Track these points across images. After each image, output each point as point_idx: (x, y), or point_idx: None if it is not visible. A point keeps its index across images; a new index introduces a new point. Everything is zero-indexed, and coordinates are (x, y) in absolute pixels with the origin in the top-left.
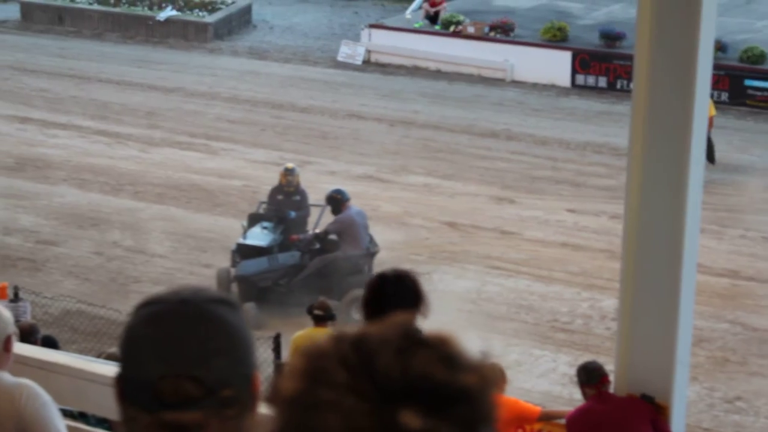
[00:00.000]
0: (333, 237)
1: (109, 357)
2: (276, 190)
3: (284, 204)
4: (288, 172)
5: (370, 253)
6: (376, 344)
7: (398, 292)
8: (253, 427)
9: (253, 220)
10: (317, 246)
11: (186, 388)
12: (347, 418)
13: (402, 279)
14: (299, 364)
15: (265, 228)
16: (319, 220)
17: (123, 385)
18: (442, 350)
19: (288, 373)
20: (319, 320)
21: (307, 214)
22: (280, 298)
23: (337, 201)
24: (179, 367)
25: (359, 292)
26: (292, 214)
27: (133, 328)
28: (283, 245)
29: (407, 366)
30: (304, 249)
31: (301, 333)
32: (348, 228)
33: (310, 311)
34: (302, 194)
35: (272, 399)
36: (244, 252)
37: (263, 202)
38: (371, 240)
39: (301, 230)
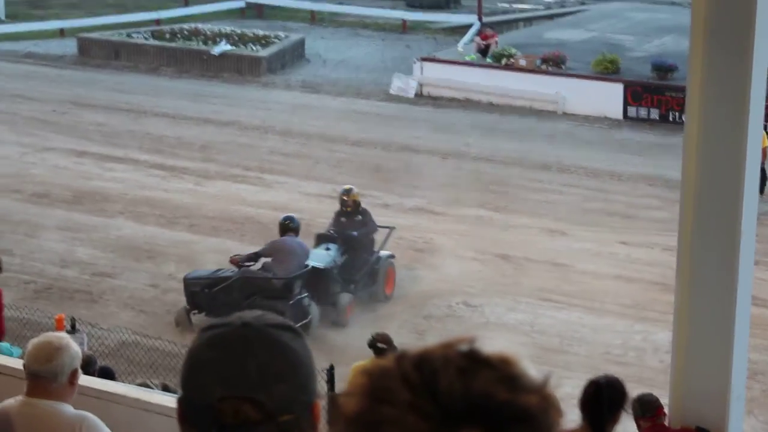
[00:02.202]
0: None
1: (142, 385)
2: (339, 213)
3: (347, 225)
4: (344, 193)
5: (294, 278)
6: (439, 364)
7: (611, 396)
8: None
9: (320, 240)
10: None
11: (246, 411)
12: None
13: (613, 384)
14: (362, 383)
15: (327, 249)
16: (386, 241)
17: (184, 407)
18: (504, 371)
19: (350, 392)
20: (381, 353)
21: (369, 233)
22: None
23: (282, 226)
24: (240, 390)
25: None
26: (354, 233)
27: (196, 351)
28: (344, 267)
29: (469, 386)
30: (240, 267)
31: (361, 363)
32: (277, 252)
33: (372, 344)
34: (364, 214)
35: (334, 417)
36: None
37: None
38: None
39: (368, 249)
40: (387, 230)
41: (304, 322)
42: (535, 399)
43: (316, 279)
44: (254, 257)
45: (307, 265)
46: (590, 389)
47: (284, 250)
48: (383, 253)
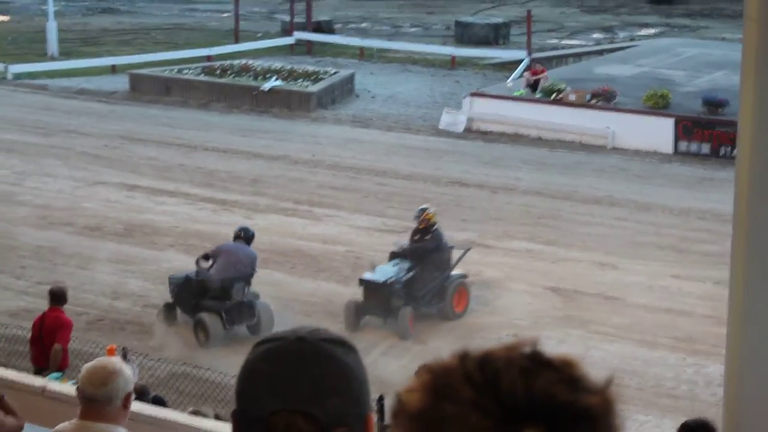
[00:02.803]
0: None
1: (194, 412)
2: (414, 231)
3: (419, 243)
4: (419, 212)
5: (238, 279)
6: (502, 363)
7: None
8: None
9: (393, 256)
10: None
11: (299, 424)
12: None
13: (703, 426)
14: (425, 380)
15: (395, 265)
16: (459, 261)
17: (238, 419)
18: (566, 372)
19: (413, 389)
20: None
21: (437, 251)
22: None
23: (234, 234)
24: (293, 403)
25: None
26: (403, 243)
27: (250, 364)
28: (410, 282)
29: (531, 386)
30: (200, 270)
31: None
32: (221, 254)
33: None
34: (434, 234)
35: (397, 414)
36: (364, 286)
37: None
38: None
39: (439, 267)
40: (461, 251)
41: (249, 323)
42: (597, 400)
43: (376, 292)
44: (206, 258)
45: (252, 270)
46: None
47: (227, 254)
48: (456, 272)
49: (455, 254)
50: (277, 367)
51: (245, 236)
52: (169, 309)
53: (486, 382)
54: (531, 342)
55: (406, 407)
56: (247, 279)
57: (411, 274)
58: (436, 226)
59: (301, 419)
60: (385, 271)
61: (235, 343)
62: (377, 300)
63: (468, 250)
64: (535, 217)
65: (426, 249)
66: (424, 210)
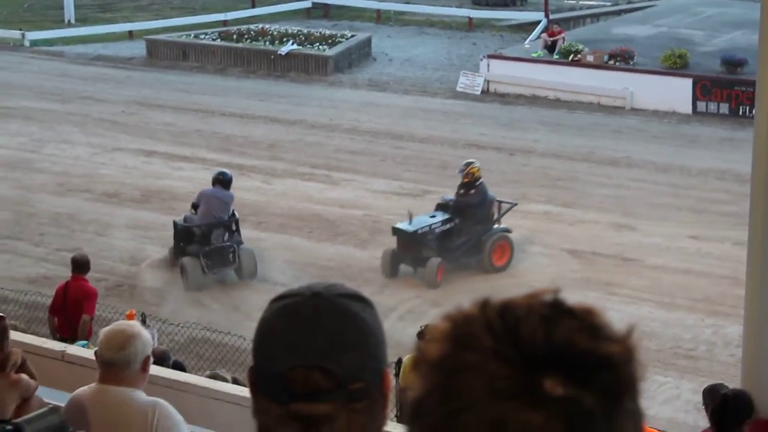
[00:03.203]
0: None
1: (212, 376)
2: (459, 186)
3: (463, 197)
4: (463, 167)
5: (216, 224)
6: (522, 312)
7: (738, 407)
8: (383, 422)
9: (437, 208)
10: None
11: (316, 379)
12: (491, 382)
13: (740, 396)
14: (444, 329)
15: (433, 216)
16: (502, 215)
17: (255, 376)
18: (587, 320)
19: (433, 338)
20: None
21: (479, 206)
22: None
23: (213, 178)
24: (310, 359)
25: None
26: (446, 197)
27: (266, 321)
28: (446, 233)
29: (551, 333)
30: (186, 217)
31: (412, 355)
32: (201, 201)
33: (421, 335)
34: (478, 188)
35: (417, 362)
36: (397, 234)
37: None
38: (230, 218)
39: (480, 221)
40: (507, 205)
41: (228, 268)
42: (618, 348)
43: (407, 241)
44: (194, 207)
45: (231, 215)
46: (718, 401)
47: (206, 200)
48: (498, 226)
49: (504, 208)
50: (294, 323)
51: (222, 180)
52: (170, 253)
53: (506, 330)
54: (552, 290)
55: (425, 356)
56: (225, 224)
57: (447, 226)
58: (480, 181)
59: (318, 374)
60: (419, 222)
61: (256, 310)
62: (408, 249)
63: (514, 204)
64: (553, 179)
65: (467, 203)
66: (469, 164)
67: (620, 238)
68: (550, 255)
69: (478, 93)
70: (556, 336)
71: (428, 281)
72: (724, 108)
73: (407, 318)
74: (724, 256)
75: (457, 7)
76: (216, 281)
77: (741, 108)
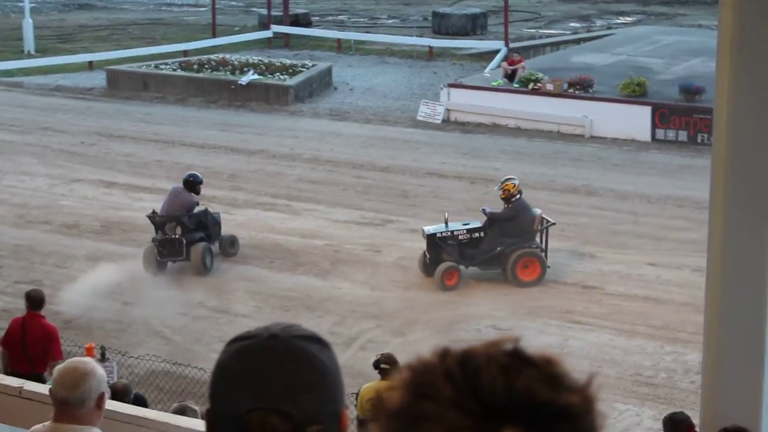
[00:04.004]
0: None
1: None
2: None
3: (500, 210)
4: (500, 183)
5: (170, 219)
6: (482, 361)
7: None
8: None
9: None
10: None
11: (273, 422)
12: None
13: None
14: (405, 378)
15: (464, 224)
16: (537, 233)
17: (212, 419)
18: (546, 370)
19: (393, 387)
20: (386, 374)
21: (511, 221)
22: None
23: (183, 179)
24: (267, 402)
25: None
26: (486, 209)
27: (223, 363)
28: (468, 243)
29: (511, 383)
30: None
31: (369, 385)
32: (167, 194)
33: (376, 365)
34: (514, 203)
35: (377, 412)
36: (426, 236)
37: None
38: (191, 216)
39: (517, 235)
40: (546, 224)
41: (177, 259)
42: (578, 398)
43: (428, 243)
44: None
45: (184, 213)
46: None
47: (168, 196)
48: (534, 242)
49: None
50: (251, 365)
51: (187, 181)
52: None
53: (466, 380)
54: (512, 339)
55: (385, 405)
56: (177, 220)
57: (472, 235)
58: (516, 197)
59: (275, 417)
60: (445, 227)
61: (217, 341)
62: (429, 250)
63: (552, 224)
64: None
65: (497, 216)
66: (505, 180)
67: (581, 266)
68: (508, 283)
69: (439, 122)
70: (515, 386)
71: (437, 284)
72: (683, 135)
73: (368, 348)
74: (684, 283)
75: (417, 36)
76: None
77: (699, 135)
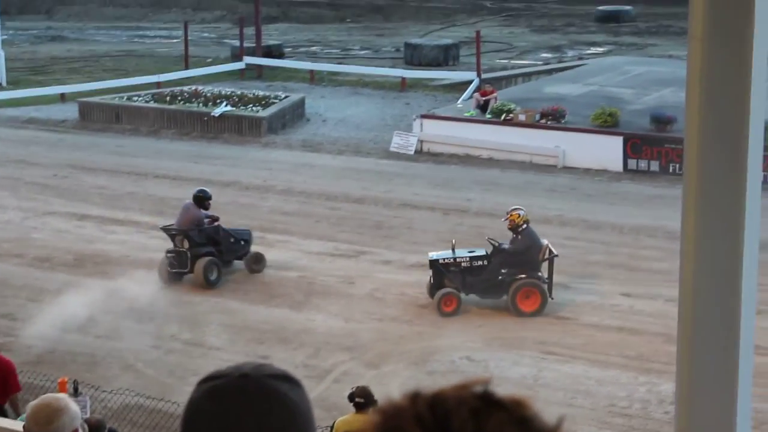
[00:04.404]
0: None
1: None
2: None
3: (512, 240)
4: (507, 213)
5: (177, 232)
6: (452, 404)
7: None
8: None
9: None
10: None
11: None
12: None
13: None
14: (375, 421)
15: (470, 252)
16: (540, 263)
17: None
18: (516, 413)
19: (364, 430)
20: (361, 407)
21: (514, 253)
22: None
23: (193, 195)
24: None
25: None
26: (495, 241)
27: (194, 402)
28: (468, 270)
29: (481, 427)
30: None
31: (344, 418)
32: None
33: (351, 398)
34: (522, 233)
35: None
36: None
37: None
38: (200, 229)
39: (520, 265)
40: (550, 254)
41: (181, 271)
42: None
43: (432, 267)
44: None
45: (193, 228)
46: None
47: (181, 210)
48: (537, 273)
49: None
50: (221, 406)
51: (196, 196)
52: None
53: (436, 423)
54: (482, 381)
55: None
56: (185, 233)
57: (476, 263)
58: (522, 227)
59: None
60: (450, 253)
61: (191, 375)
62: (432, 275)
63: (555, 256)
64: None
65: (499, 247)
66: (510, 211)
67: (555, 297)
68: (483, 315)
69: (412, 153)
70: (485, 429)
71: (435, 309)
72: (655, 165)
73: (342, 380)
74: (657, 313)
75: (390, 67)
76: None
77: (671, 165)
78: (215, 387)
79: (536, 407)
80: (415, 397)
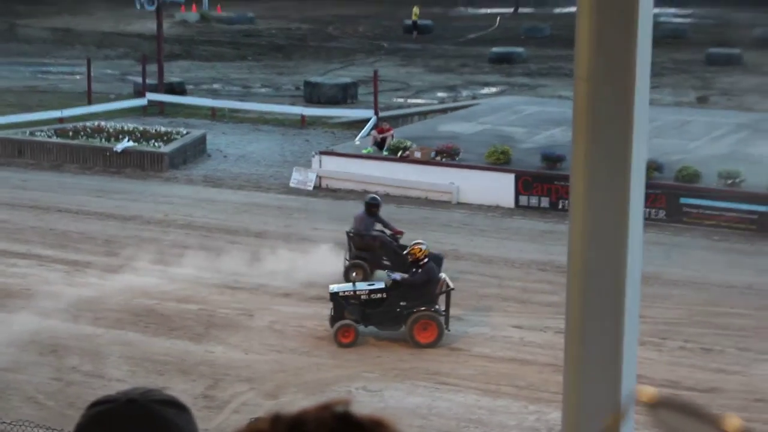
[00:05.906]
0: None
1: None
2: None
3: (412, 275)
4: (408, 248)
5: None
6: (311, 426)
7: None
8: None
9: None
10: None
11: None
12: None
13: None
14: None
15: (370, 285)
16: (437, 296)
17: None
18: None
19: None
20: None
21: (414, 286)
22: None
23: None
24: None
25: None
26: (394, 276)
27: (81, 427)
28: (368, 302)
29: None
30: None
31: None
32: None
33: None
34: (423, 267)
35: None
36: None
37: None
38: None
39: (418, 298)
40: (447, 288)
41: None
42: None
43: (330, 300)
44: None
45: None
46: None
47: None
48: (436, 306)
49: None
50: (108, 430)
51: (367, 203)
52: None
53: None
54: (343, 402)
55: None
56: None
57: (375, 296)
58: (423, 261)
59: None
60: (350, 286)
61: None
62: (333, 307)
63: (451, 289)
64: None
65: (410, 282)
66: (412, 245)
67: (450, 329)
68: (380, 346)
69: (311, 188)
70: None
71: (333, 340)
72: (545, 202)
73: (242, 410)
74: (547, 345)
75: (290, 104)
76: None
77: (561, 202)
78: (102, 412)
79: (397, 427)
80: (276, 420)
